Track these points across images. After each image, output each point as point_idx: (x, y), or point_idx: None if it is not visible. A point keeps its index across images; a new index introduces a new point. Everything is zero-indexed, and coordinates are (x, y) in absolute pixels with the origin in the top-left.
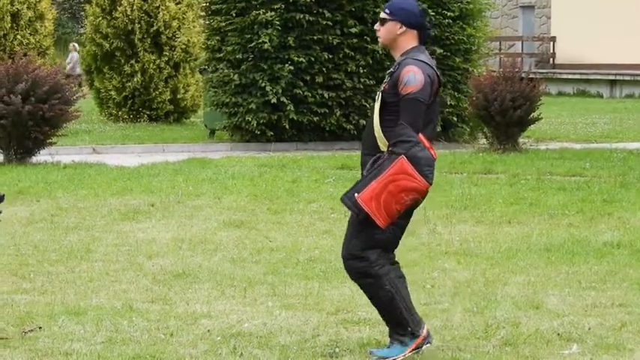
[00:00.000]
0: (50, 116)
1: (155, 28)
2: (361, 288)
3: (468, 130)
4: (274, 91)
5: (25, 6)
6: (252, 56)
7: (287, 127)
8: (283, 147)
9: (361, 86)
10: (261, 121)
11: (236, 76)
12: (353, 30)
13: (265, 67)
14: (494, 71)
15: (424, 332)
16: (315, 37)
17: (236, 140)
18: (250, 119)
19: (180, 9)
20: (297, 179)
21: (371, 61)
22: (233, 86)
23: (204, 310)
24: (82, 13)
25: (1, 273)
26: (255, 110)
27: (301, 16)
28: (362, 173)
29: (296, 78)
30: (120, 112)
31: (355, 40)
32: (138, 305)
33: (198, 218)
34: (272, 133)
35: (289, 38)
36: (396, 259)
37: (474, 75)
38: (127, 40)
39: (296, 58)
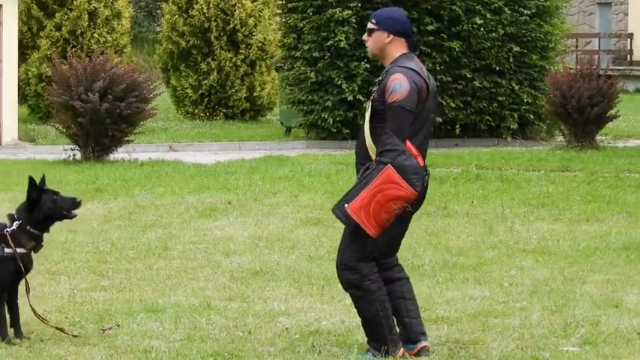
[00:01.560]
0: (127, 114)
1: (231, 25)
2: (350, 297)
3: (545, 127)
4: (350, 88)
5: (102, 4)
6: (328, 54)
7: (363, 124)
8: None
9: (438, 83)
10: (337, 119)
11: (312, 74)
12: (429, 27)
13: (341, 64)
14: (572, 68)
15: (399, 353)
16: None
17: (312, 138)
18: (326, 117)
19: (256, 7)
20: None
21: (447, 59)
22: (309, 84)
23: (282, 307)
24: (159, 11)
25: (80, 270)
26: (331, 108)
27: None
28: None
29: (372, 76)
30: (196, 110)
31: (431, 38)
32: (216, 303)
33: (275, 216)
34: (348, 130)
35: None
36: (398, 262)
37: (551, 72)
38: (203, 38)
39: (372, 56)
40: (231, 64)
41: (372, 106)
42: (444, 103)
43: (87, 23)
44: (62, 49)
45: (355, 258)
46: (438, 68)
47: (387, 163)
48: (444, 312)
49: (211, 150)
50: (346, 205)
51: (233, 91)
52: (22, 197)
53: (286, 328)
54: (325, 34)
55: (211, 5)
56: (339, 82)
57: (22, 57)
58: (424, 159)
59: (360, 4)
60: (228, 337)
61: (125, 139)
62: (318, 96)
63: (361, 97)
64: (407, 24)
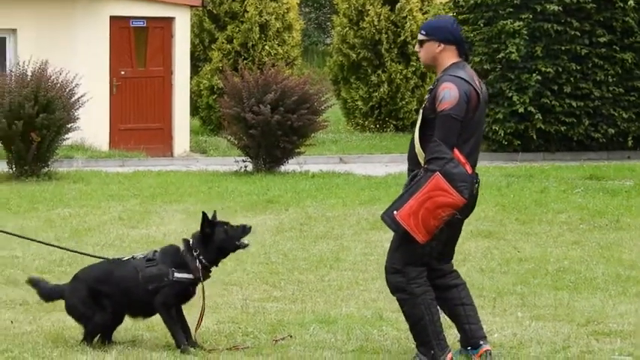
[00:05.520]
0: (298, 126)
1: (402, 38)
2: (397, 301)
3: None
4: (521, 100)
5: (274, 17)
6: (499, 66)
7: (534, 136)
8: (530, 157)
9: (610, 95)
10: (508, 131)
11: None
12: (602, 39)
13: (512, 76)
14: None
15: (447, 358)
16: (563, 47)
17: (482, 150)
18: (497, 129)
19: (427, 19)
20: (545, 189)
21: (620, 70)
22: None
23: None
24: (329, 23)
25: (253, 281)
26: (502, 120)
27: (549, 25)
28: None
29: (543, 87)
30: (366, 122)
31: (604, 50)
32: (387, 314)
33: None
34: (519, 142)
35: (537, 48)
36: (453, 267)
37: None
38: (373, 51)
39: (543, 68)
40: (401, 77)
41: (422, 115)
42: (617, 114)
43: (258, 35)
44: (234, 61)
45: (403, 261)
46: (611, 80)
47: (436, 171)
48: (617, 325)
49: (381, 162)
50: (395, 212)
51: (403, 103)
52: (194, 209)
53: (458, 340)
54: (496, 45)
55: (382, 18)
56: (510, 94)
57: (194, 69)
58: (474, 167)
59: (531, 16)
60: (400, 348)
61: (296, 150)
62: (488, 108)
63: (532, 109)
64: (457, 32)
